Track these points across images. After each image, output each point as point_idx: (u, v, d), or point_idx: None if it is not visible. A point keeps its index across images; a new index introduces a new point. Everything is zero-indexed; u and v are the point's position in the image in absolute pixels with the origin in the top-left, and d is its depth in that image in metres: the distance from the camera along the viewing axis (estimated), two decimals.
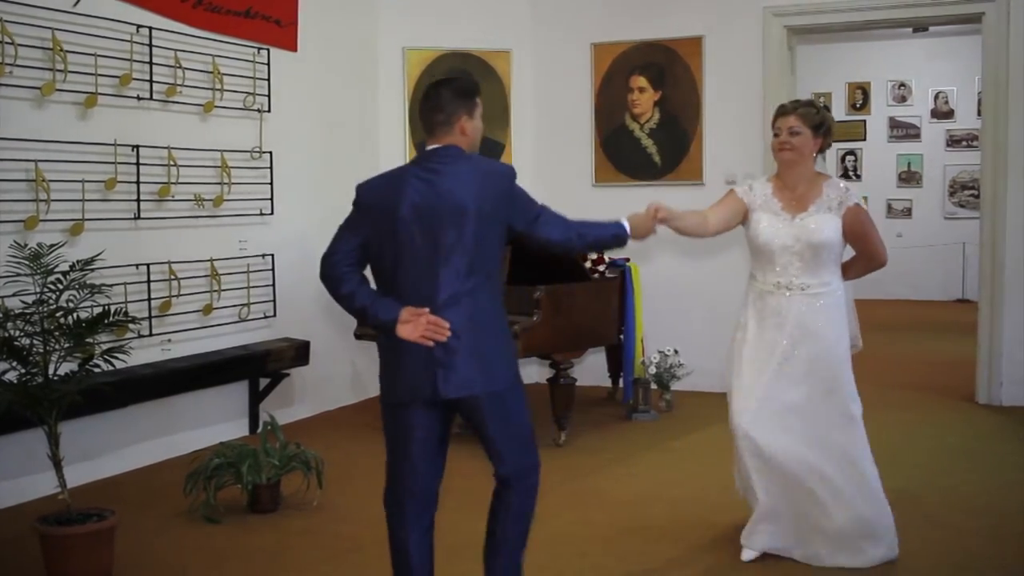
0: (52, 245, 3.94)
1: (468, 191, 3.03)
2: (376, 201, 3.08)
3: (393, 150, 7.47)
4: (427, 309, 3.01)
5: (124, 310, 4.33)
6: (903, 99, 13.10)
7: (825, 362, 3.86)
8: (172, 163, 5.57)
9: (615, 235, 3.32)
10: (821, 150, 3.97)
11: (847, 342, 3.95)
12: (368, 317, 3.12)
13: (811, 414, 3.86)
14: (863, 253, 4.03)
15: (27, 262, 3.84)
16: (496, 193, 3.08)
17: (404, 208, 3.01)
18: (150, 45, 5.45)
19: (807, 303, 3.86)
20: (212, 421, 5.94)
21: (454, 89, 3.16)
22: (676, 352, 6.72)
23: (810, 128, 3.88)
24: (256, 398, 6.23)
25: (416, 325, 3.00)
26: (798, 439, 3.84)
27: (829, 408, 3.87)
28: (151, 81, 5.47)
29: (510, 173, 3.15)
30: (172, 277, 5.59)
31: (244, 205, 6.12)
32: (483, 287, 3.07)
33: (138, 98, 5.40)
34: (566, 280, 5.92)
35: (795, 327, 3.85)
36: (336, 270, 3.11)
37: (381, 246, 3.07)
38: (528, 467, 3.20)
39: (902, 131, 13.13)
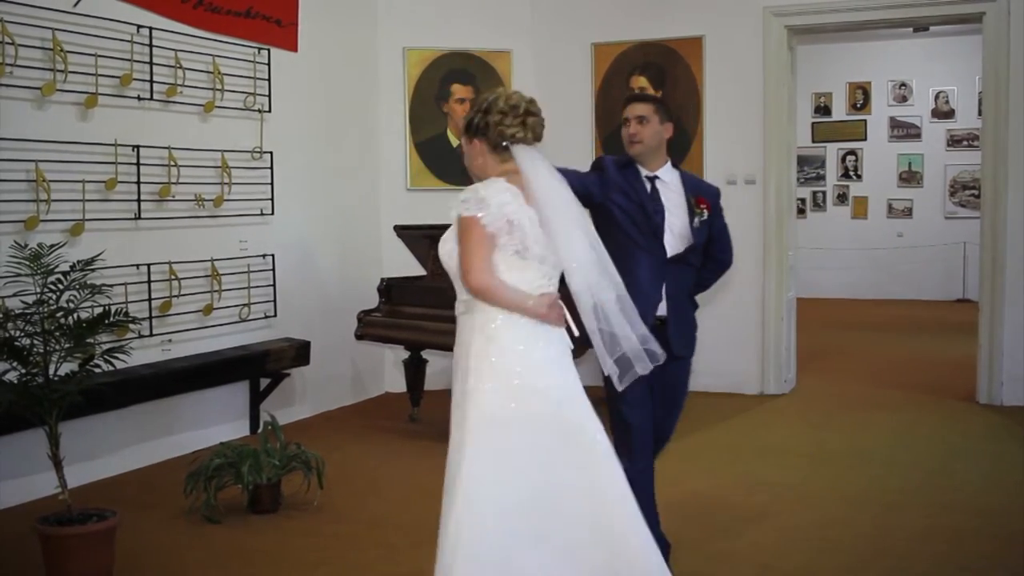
0: (52, 245, 3.94)
1: None
2: None
3: (393, 150, 7.47)
4: None
5: (124, 310, 4.32)
6: (903, 99, 13.11)
7: None
8: (172, 163, 5.57)
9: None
10: (495, 148, 3.01)
11: None
12: None
13: None
14: None
15: (27, 262, 3.83)
16: None
17: None
18: (150, 45, 5.45)
19: None
20: (212, 421, 5.94)
21: None
22: None
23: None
24: (256, 398, 6.23)
25: None
26: None
27: None
28: (151, 81, 5.47)
29: None
30: (172, 277, 5.59)
31: (244, 205, 6.12)
32: None
33: (138, 98, 5.40)
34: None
35: None
36: None
37: None
38: None
39: (903, 131, 13.13)
